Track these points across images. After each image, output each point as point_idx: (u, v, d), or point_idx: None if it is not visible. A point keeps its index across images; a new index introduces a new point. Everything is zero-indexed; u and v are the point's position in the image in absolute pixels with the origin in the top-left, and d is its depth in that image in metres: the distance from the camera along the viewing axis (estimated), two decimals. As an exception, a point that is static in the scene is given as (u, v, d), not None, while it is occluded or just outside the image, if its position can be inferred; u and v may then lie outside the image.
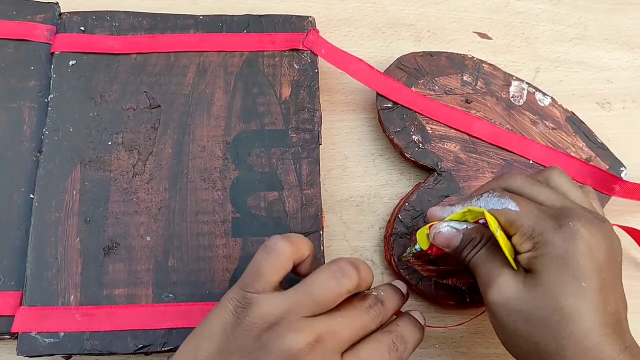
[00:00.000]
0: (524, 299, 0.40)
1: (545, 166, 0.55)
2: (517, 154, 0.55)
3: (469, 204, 0.44)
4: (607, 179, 0.55)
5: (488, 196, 0.43)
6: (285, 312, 0.38)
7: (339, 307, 0.40)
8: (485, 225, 0.43)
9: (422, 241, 0.46)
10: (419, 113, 0.55)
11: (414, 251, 0.47)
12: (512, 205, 0.41)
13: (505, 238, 0.42)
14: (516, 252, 0.42)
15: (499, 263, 0.42)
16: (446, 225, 0.44)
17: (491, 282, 0.41)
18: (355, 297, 0.41)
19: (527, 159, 0.55)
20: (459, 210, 0.45)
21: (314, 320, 0.38)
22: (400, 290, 0.44)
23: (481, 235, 0.44)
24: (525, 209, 0.41)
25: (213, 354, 0.38)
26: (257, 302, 0.39)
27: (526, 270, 0.41)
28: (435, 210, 0.47)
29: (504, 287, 0.41)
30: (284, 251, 0.40)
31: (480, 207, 0.43)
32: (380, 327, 0.42)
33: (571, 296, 0.38)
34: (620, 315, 0.40)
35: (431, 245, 0.46)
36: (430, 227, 0.45)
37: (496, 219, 0.42)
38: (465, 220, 0.45)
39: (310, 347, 0.37)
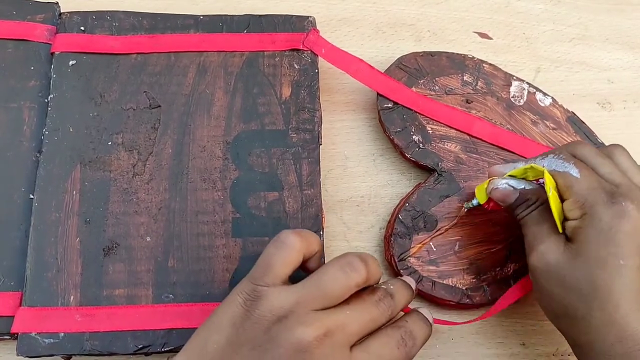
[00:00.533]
0: (562, 266, 0.42)
1: None
2: (517, 154, 0.55)
3: (532, 161, 0.46)
4: None
5: (553, 157, 0.44)
6: (294, 305, 0.38)
7: (348, 300, 0.40)
8: (543, 186, 0.44)
9: (480, 195, 0.49)
10: (419, 113, 0.55)
11: (471, 205, 0.50)
12: (573, 171, 0.43)
13: (558, 200, 0.43)
14: (565, 218, 0.43)
15: (546, 228, 0.44)
16: (504, 182, 0.47)
17: (535, 246, 0.43)
18: (365, 290, 0.42)
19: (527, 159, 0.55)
20: (521, 166, 0.46)
21: (323, 314, 0.38)
22: (410, 286, 0.45)
23: (536, 197, 0.45)
24: (585, 177, 0.42)
25: (222, 346, 0.38)
26: (267, 295, 0.39)
27: (568, 239, 0.42)
28: (497, 167, 0.49)
29: (546, 253, 0.43)
30: (294, 245, 0.40)
31: (544, 166, 0.44)
32: (390, 322, 0.42)
33: (607, 272, 0.40)
34: None
35: (489, 200, 0.48)
36: (489, 181, 0.47)
37: (555, 180, 0.43)
38: (524, 179, 0.46)
39: (319, 340, 0.37)
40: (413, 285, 0.45)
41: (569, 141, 0.48)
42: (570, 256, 0.41)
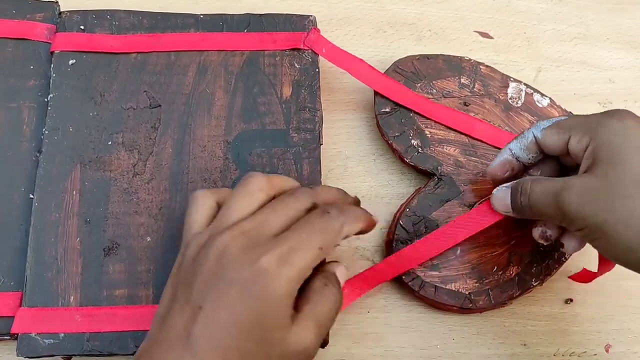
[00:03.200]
0: (600, 189, 0.41)
1: None
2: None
3: (527, 132, 0.47)
4: None
5: (539, 121, 0.46)
6: (212, 229, 0.40)
7: (264, 207, 0.41)
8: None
9: None
10: (419, 114, 0.55)
11: None
12: (561, 118, 0.45)
13: None
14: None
15: (554, 179, 0.44)
16: (496, 190, 0.47)
17: (560, 193, 0.42)
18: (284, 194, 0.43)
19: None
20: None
21: (237, 223, 0.39)
22: (338, 188, 0.46)
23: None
24: (572, 116, 0.45)
25: (168, 301, 0.39)
26: (191, 239, 0.40)
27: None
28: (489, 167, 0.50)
29: (576, 188, 0.42)
30: (200, 199, 0.43)
31: (533, 133, 0.46)
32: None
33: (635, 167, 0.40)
34: None
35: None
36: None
37: (547, 138, 0.45)
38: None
39: (236, 238, 0.38)
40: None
41: None
42: (602, 176, 0.41)
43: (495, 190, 0.47)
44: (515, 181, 0.46)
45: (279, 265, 0.37)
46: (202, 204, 0.42)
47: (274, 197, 0.42)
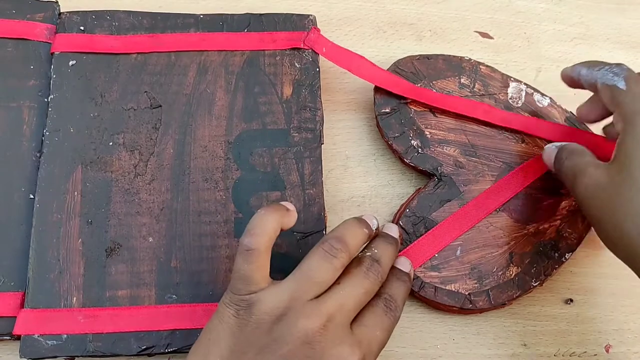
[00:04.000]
0: (605, 187, 0.42)
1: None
2: (517, 157, 0.55)
3: (587, 70, 0.48)
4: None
5: (606, 69, 0.46)
6: (289, 302, 0.39)
7: (338, 280, 0.41)
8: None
9: None
10: (420, 113, 0.55)
11: None
12: (621, 84, 0.44)
13: None
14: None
15: (586, 159, 0.45)
16: (547, 147, 0.51)
17: (578, 177, 0.44)
18: (352, 264, 0.43)
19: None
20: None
21: (319, 302, 0.39)
22: (394, 239, 0.46)
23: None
24: (631, 89, 0.44)
25: (225, 357, 0.38)
26: (259, 299, 0.39)
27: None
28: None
29: (588, 179, 0.43)
30: (258, 247, 0.40)
31: (596, 79, 0.47)
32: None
33: None
34: None
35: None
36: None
37: (603, 93, 0.46)
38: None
39: (323, 327, 0.38)
40: (396, 234, 0.47)
41: None
42: (614, 173, 0.41)
43: (546, 146, 0.51)
44: (564, 144, 0.49)
45: None
46: (256, 258, 0.40)
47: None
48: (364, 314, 0.41)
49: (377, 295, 0.43)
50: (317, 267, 0.40)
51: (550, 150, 0.50)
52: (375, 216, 0.46)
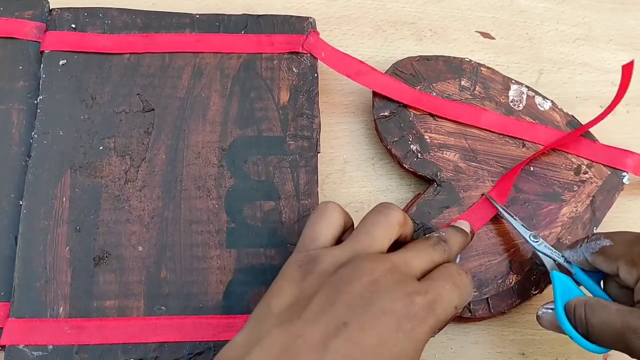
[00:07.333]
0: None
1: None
2: (518, 162, 0.54)
3: (569, 253, 0.47)
4: (618, 154, 0.56)
5: (585, 243, 0.45)
6: (353, 253, 0.40)
7: (405, 248, 0.42)
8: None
9: None
10: (421, 116, 0.54)
11: None
12: (606, 242, 0.44)
13: None
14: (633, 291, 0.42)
15: (616, 313, 0.42)
16: (541, 310, 0.46)
17: (624, 332, 0.41)
18: (418, 239, 0.44)
19: (529, 165, 0.54)
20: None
21: (384, 254, 0.40)
22: (464, 230, 0.47)
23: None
24: (619, 238, 0.43)
25: (288, 304, 0.38)
26: (323, 254, 0.40)
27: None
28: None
29: (636, 334, 0.40)
30: (335, 211, 0.43)
31: (582, 255, 0.45)
32: None
33: None
34: None
35: None
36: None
37: (596, 260, 0.44)
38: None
39: (388, 270, 0.38)
40: (467, 228, 0.47)
41: None
42: None
43: (539, 311, 0.46)
44: (567, 302, 0.44)
45: (428, 312, 0.37)
46: (333, 218, 0.43)
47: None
48: (434, 274, 0.41)
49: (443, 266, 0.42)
50: (374, 222, 0.41)
51: (549, 317, 0.46)
52: None
